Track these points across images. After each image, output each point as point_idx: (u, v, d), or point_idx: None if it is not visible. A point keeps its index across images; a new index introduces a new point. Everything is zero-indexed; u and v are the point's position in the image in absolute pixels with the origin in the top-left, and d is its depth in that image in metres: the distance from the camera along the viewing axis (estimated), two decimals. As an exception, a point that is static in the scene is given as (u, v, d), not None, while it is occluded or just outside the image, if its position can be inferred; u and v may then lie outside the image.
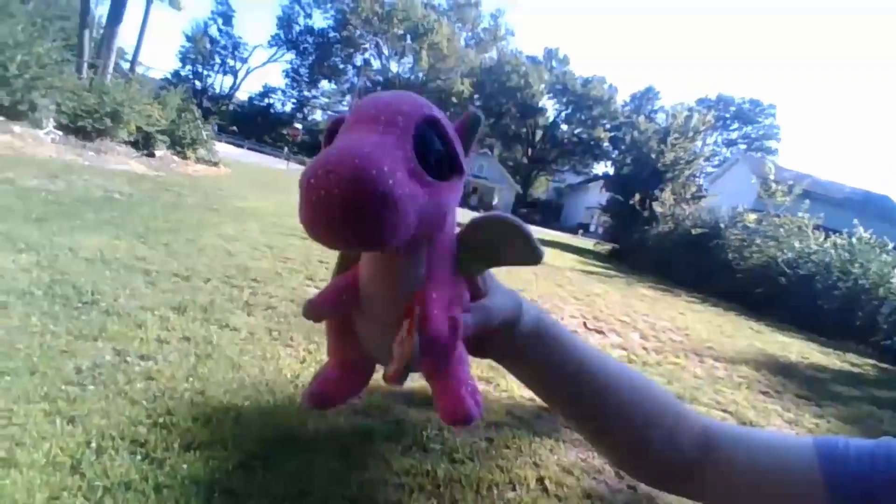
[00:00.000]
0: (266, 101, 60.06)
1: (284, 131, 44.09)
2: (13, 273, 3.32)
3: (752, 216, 14.37)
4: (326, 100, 61.07)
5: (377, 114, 0.29)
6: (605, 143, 54.73)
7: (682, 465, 0.43)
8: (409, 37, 53.12)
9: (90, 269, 3.79)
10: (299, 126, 41.77)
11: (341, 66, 60.47)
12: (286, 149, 37.74)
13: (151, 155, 14.47)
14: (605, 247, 21.82)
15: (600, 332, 6.00)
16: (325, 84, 61.26)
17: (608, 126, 54.11)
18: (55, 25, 13.43)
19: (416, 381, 1.41)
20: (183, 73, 53.96)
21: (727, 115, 57.24)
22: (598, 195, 47.73)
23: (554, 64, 60.66)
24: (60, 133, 11.12)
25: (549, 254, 12.04)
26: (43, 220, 4.89)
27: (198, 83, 53.72)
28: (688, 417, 0.44)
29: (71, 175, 8.00)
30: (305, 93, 61.04)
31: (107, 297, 3.28)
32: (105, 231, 5.04)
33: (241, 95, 60.10)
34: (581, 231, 44.79)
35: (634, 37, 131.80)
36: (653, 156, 19.01)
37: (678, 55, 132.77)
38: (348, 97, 60.55)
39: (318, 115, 60.23)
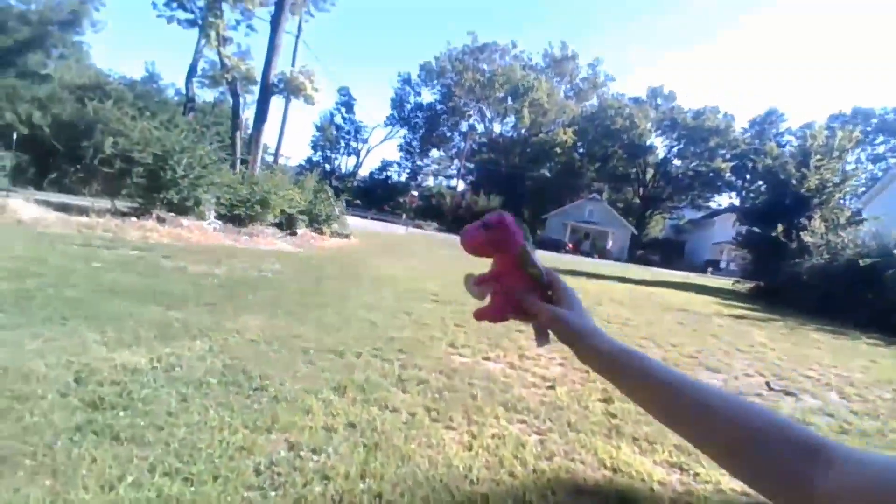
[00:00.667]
0: (384, 173, 65.07)
1: (402, 199, 46.83)
2: (190, 362, 3.51)
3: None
4: (437, 166, 64.48)
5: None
6: (727, 174, 50.48)
7: (790, 481, 0.43)
8: (510, 98, 54.76)
9: (255, 351, 3.93)
10: (415, 193, 44.24)
11: (448, 135, 64.05)
12: (404, 215, 39.83)
13: (294, 233, 15.88)
14: (745, 285, 19.39)
15: (790, 394, 5.01)
16: (434, 152, 65.04)
17: (728, 156, 50.07)
18: (211, 130, 15.68)
19: None
20: (315, 159, 60.87)
21: (868, 129, 50.25)
22: (724, 229, 43.59)
23: (659, 101, 58.56)
24: (220, 222, 12.61)
25: (685, 297, 10.91)
26: (212, 305, 5.31)
27: (327, 166, 60.06)
28: (795, 434, 0.44)
29: (232, 259, 8.87)
30: (418, 162, 65.40)
31: (274, 381, 3.32)
32: (264, 311, 5.34)
33: (363, 172, 65.81)
34: (710, 269, 40.82)
35: (744, 57, 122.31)
36: (793, 181, 16.86)
37: (797, 70, 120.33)
38: (455, 161, 63.30)
39: (430, 182, 63.76)
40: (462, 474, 2.41)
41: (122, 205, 12.13)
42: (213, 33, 15.72)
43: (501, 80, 53.20)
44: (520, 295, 0.66)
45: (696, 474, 2.72)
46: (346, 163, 66.47)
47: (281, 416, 2.80)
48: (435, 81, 61.76)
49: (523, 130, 56.72)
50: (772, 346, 7.39)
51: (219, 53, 16.45)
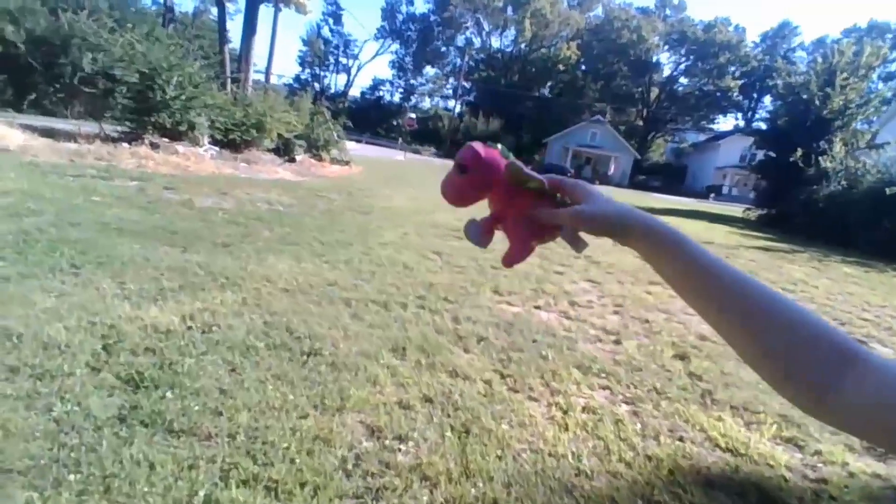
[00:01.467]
0: (376, 93, 61.93)
1: (396, 122, 44.87)
2: (227, 319, 3.12)
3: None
4: (432, 85, 61.39)
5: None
6: (736, 94, 48.61)
7: (820, 378, 0.42)
8: (510, 8, 51.14)
9: (295, 305, 3.53)
10: (413, 115, 42.26)
11: (443, 50, 60.33)
12: (400, 139, 38.39)
13: (293, 160, 15.06)
14: (755, 212, 19.06)
15: (861, 341, 4.78)
16: (429, 70, 61.60)
17: (738, 73, 47.94)
18: (194, 45, 14.35)
19: None
20: (303, 77, 57.31)
21: (883, 45, 47.94)
22: (729, 153, 42.76)
23: (668, 12, 55.10)
24: (216, 149, 11.81)
25: (702, 228, 10.55)
26: (229, 246, 4.85)
27: (317, 85, 56.93)
28: (834, 334, 0.43)
29: (235, 190, 8.29)
30: (412, 81, 61.96)
31: (325, 343, 2.95)
32: (287, 252, 4.90)
33: (354, 91, 62.55)
34: (713, 195, 40.47)
35: None
36: (816, 102, 15.98)
37: None
38: (451, 79, 60.28)
39: (426, 103, 60.92)
40: (572, 466, 2.10)
41: (110, 129, 11.24)
42: None
43: (501, -13, 49.44)
44: (533, 214, 0.58)
45: (818, 452, 2.44)
46: (336, 81, 63.01)
47: (348, 390, 2.45)
48: (429, -12, 57.29)
49: (524, 45, 53.57)
50: (813, 283, 7.14)
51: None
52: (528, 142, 47.55)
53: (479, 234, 0.61)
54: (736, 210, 23.73)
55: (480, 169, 0.56)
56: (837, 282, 7.53)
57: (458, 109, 50.13)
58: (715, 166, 43.02)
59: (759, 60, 47.58)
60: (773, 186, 17.65)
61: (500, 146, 0.59)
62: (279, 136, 15.06)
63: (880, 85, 47.75)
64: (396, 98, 63.43)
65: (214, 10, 30.34)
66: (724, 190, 41.30)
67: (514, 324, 3.79)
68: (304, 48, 59.16)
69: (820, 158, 15.23)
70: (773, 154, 17.85)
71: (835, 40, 49.82)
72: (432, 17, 58.52)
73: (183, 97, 10.77)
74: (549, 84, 49.12)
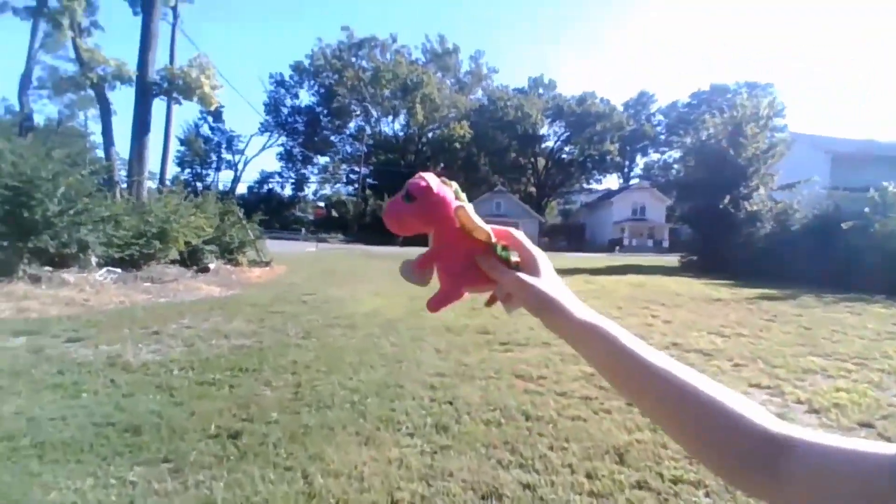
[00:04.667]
0: (265, 186, 59.36)
1: (295, 212, 42.54)
2: None
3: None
4: (325, 174, 60.37)
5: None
6: (616, 156, 53.51)
7: (753, 469, 0.43)
8: (399, 94, 52.81)
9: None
10: (321, 204, 40.43)
11: (332, 138, 60.20)
12: (304, 230, 36.23)
13: (205, 270, 12.64)
14: (688, 258, 19.72)
15: None
16: (320, 159, 60.77)
17: (615, 138, 53.08)
18: (63, 152, 11.87)
19: None
20: (183, 178, 53.22)
21: (728, 104, 56.33)
22: (622, 208, 46.18)
23: (541, 90, 60.51)
24: (118, 270, 9.29)
25: (667, 285, 9.68)
26: (237, 438, 2.91)
27: (199, 184, 52.94)
28: (756, 428, 0.43)
29: (168, 324, 6.10)
30: (303, 171, 60.48)
31: None
32: (323, 429, 3.05)
33: (241, 188, 59.41)
34: (618, 248, 42.81)
35: (593, 45, 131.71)
36: (731, 152, 17.15)
37: (653, 54, 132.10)
38: (344, 166, 59.92)
39: (322, 191, 59.44)
40: None
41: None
42: (65, 21, 11.71)
43: (388, 77, 50.97)
44: (479, 260, 0.56)
45: None
46: (219, 179, 59.50)
47: None
48: (313, 81, 57.55)
49: (416, 128, 55.14)
50: (843, 332, 6.56)
51: (75, 48, 12.40)
52: (436, 218, 47.57)
53: (411, 269, 0.57)
54: (663, 260, 24.65)
55: (428, 202, 0.54)
56: (856, 329, 7.01)
57: (361, 194, 49.20)
58: (612, 221, 45.94)
59: (628, 125, 53.24)
60: (702, 233, 18.32)
61: (454, 185, 0.57)
62: (186, 243, 12.64)
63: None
64: (288, 190, 61.27)
65: (84, 114, 27.18)
66: (626, 241, 43.95)
67: None
68: (182, 147, 55.53)
69: (745, 203, 16.05)
70: (688, 203, 18.76)
71: (685, 104, 57.99)
72: (318, 108, 58.74)
73: (71, 212, 8.35)
74: (444, 160, 50.38)
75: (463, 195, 0.57)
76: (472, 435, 3.09)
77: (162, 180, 15.99)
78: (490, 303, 0.59)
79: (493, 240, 0.56)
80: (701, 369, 0.91)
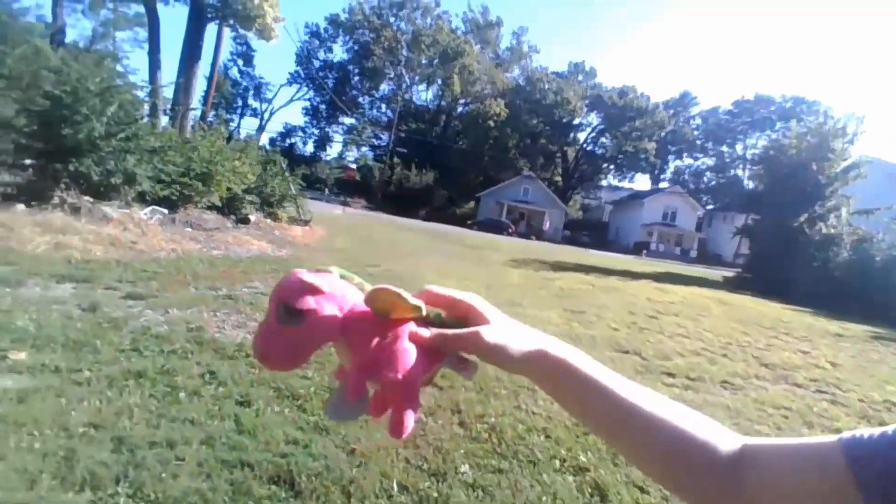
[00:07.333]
0: (287, 140, 57.78)
1: (324, 174, 40.81)
2: None
3: None
4: (350, 135, 58.66)
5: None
6: (653, 156, 51.68)
7: (720, 488, 0.43)
8: (436, 62, 50.75)
9: None
10: (353, 166, 39.03)
11: (360, 100, 58.26)
12: (326, 191, 34.88)
13: (245, 221, 11.48)
14: (739, 275, 18.43)
15: None
16: (346, 120, 58.93)
17: (655, 137, 51.17)
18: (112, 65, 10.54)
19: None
20: (208, 120, 51.67)
21: (772, 116, 54.11)
22: (653, 211, 44.63)
23: (580, 77, 58.26)
24: (165, 211, 8.11)
25: (725, 300, 7.87)
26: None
27: (223, 129, 51.39)
28: (716, 449, 0.43)
29: (236, 285, 4.94)
30: (327, 129, 58.75)
31: None
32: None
33: (263, 139, 57.78)
34: (645, 252, 41.41)
35: (647, 39, 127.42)
36: (813, 167, 15.71)
37: (703, 54, 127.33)
38: (368, 129, 58.22)
39: (353, 153, 57.84)
40: None
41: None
42: None
43: (428, 42, 48.81)
44: (424, 342, 0.45)
45: None
46: (245, 126, 57.90)
47: None
48: (348, 37, 55.26)
49: (449, 100, 53.18)
50: None
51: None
52: (458, 196, 46.21)
53: (345, 404, 0.44)
54: (699, 271, 23.39)
55: (324, 312, 0.40)
56: None
57: (388, 161, 47.51)
58: (641, 223, 44.41)
59: (669, 125, 51.31)
60: (764, 250, 16.98)
61: (340, 271, 0.45)
62: (227, 189, 11.45)
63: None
64: (310, 147, 59.59)
65: (120, 35, 25.58)
66: (653, 246, 42.56)
67: None
68: (205, 89, 53.79)
69: (822, 223, 14.75)
70: (756, 217, 17.45)
71: (726, 111, 55.86)
72: (350, 67, 56.64)
73: (120, 136, 7.12)
74: (475, 137, 48.56)
75: (358, 278, 0.45)
76: None
77: (203, 117, 14.65)
78: (467, 374, 0.50)
79: (424, 310, 0.46)
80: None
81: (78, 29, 28.59)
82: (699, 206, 47.83)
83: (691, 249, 43.52)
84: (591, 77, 57.01)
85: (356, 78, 56.79)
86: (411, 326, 0.46)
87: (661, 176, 58.09)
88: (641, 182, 61.82)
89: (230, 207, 11.85)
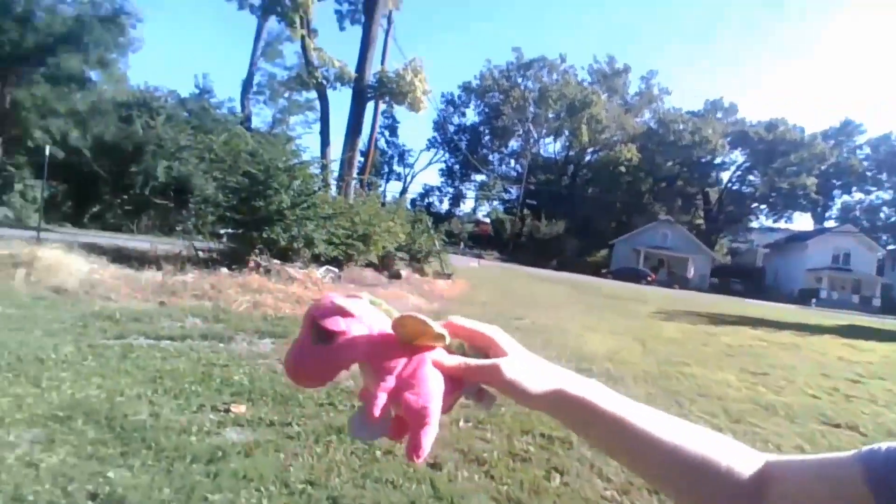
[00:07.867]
0: (426, 200, 61.89)
1: (458, 229, 42.86)
2: None
3: None
4: (480, 191, 61.23)
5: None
6: (814, 192, 45.73)
7: None
8: (563, 115, 51.25)
9: None
10: (488, 220, 40.65)
11: (490, 157, 60.66)
12: (462, 244, 36.31)
13: (397, 276, 12.25)
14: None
15: None
16: (478, 177, 61.73)
17: (815, 172, 45.45)
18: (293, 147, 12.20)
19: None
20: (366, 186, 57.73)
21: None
22: (820, 253, 38.95)
23: (719, 115, 54.47)
24: (336, 270, 8.97)
25: None
26: None
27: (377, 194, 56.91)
28: (739, 474, 0.43)
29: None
30: (460, 187, 61.96)
31: None
32: None
33: (406, 200, 62.81)
34: (814, 300, 35.98)
35: (793, 73, 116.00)
36: None
37: (862, 79, 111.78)
38: (499, 184, 59.94)
39: (484, 208, 60.54)
40: None
41: (193, 245, 8.60)
42: (297, 18, 12.26)
43: (555, 97, 49.66)
44: (447, 370, 0.47)
45: None
46: (390, 189, 63.51)
47: None
48: (479, 101, 58.60)
49: (577, 149, 52.98)
50: None
51: (303, 48, 13.03)
52: (592, 244, 44.86)
53: (367, 422, 0.44)
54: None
55: (353, 333, 0.42)
56: None
57: (518, 213, 48.52)
58: (806, 268, 38.93)
59: (830, 157, 45.42)
60: None
61: (370, 297, 0.48)
62: (382, 247, 12.41)
63: None
64: (445, 204, 63.09)
65: (293, 119, 30.04)
66: (822, 294, 36.92)
67: None
68: (362, 159, 59.95)
69: None
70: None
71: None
72: (481, 128, 59.75)
73: (304, 206, 8.14)
74: (606, 184, 47.45)
75: (384, 304, 0.48)
76: None
77: (362, 184, 16.29)
78: (486, 405, 0.52)
79: (448, 339, 0.47)
80: None
81: (261, 117, 34.08)
82: (878, 246, 40.80)
83: (873, 297, 36.89)
84: (732, 113, 53.12)
85: (487, 137, 59.64)
86: (434, 354, 0.47)
87: (827, 214, 50.90)
88: (801, 222, 54.97)
89: (383, 264, 12.85)
